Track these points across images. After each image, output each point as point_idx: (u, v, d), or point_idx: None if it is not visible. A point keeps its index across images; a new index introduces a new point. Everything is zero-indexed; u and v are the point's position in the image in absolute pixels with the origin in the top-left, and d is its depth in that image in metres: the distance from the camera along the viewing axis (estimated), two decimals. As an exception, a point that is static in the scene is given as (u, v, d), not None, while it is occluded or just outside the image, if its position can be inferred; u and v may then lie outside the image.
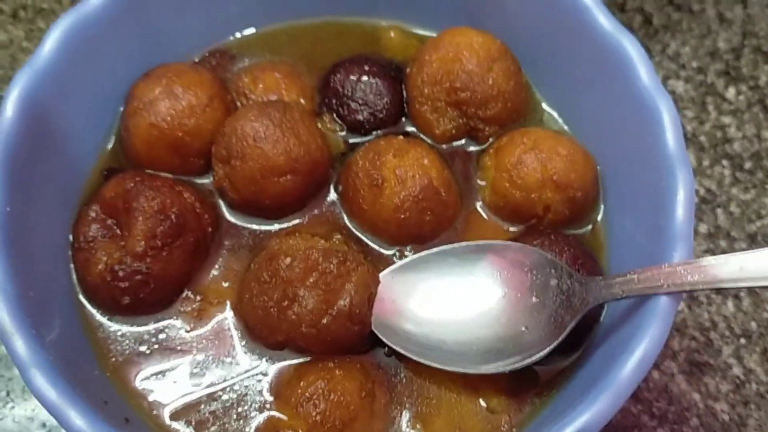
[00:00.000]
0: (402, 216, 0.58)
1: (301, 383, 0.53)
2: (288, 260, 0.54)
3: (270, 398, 0.54)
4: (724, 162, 0.75)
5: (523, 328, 0.54)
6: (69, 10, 0.59)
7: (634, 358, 0.46)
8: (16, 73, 0.56)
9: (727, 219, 0.72)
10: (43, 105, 0.56)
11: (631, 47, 0.57)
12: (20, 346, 0.47)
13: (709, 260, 0.47)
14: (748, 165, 0.75)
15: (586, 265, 0.56)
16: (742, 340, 0.67)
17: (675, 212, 0.51)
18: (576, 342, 0.56)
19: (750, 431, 0.64)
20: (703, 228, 0.72)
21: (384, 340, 0.55)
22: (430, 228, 0.60)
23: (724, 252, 0.71)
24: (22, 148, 0.54)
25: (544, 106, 0.66)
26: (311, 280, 0.54)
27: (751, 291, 0.69)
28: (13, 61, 0.81)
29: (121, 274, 0.55)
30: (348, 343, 0.55)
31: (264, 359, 0.55)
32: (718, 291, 0.69)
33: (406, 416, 0.54)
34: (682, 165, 0.53)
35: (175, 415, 0.54)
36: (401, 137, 0.62)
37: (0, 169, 0.52)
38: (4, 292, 0.48)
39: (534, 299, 0.54)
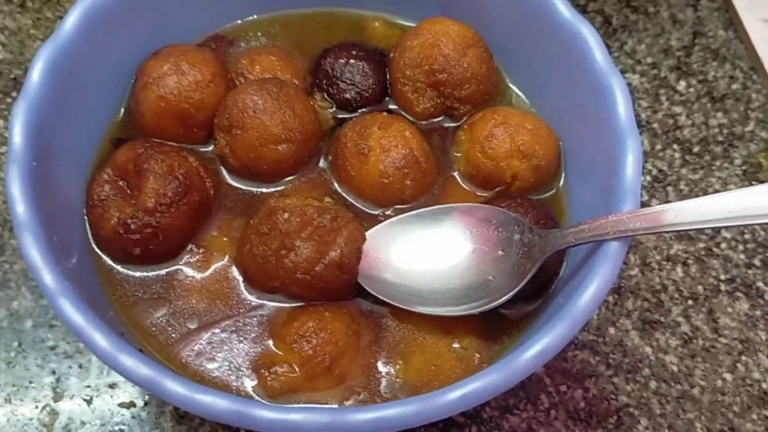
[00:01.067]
0: (386, 181, 0.65)
1: (295, 323, 0.60)
2: (286, 215, 0.61)
3: (266, 336, 0.61)
4: (675, 146, 0.83)
5: (490, 277, 0.61)
6: (88, -8, 0.65)
7: (588, 291, 0.53)
8: (39, 47, 0.62)
9: (677, 196, 0.80)
10: (63, 75, 0.62)
11: (588, 33, 0.64)
12: (49, 279, 0.53)
13: (649, 209, 0.54)
14: (696, 149, 0.83)
15: (547, 225, 0.63)
16: (690, 302, 0.75)
17: (625, 172, 0.58)
18: (538, 291, 0.63)
19: (696, 380, 0.71)
20: (654, 203, 0.80)
21: (368, 289, 0.62)
22: (410, 192, 0.66)
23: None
24: (45, 111, 0.60)
25: (513, 88, 0.74)
26: (306, 232, 0.60)
27: (698, 258, 0.77)
28: (21, 47, 0.87)
29: (133, 227, 0.61)
30: (337, 290, 0.61)
31: (261, 303, 0.62)
32: (668, 259, 0.76)
33: (387, 353, 0.61)
34: (631, 133, 0.60)
35: (182, 350, 0.60)
36: (385, 113, 0.70)
37: (28, 127, 0.57)
38: (34, 233, 0.54)
39: (500, 252, 0.61)
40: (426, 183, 0.67)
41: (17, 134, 0.57)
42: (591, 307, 0.53)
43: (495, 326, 0.62)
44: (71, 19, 0.63)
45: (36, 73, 0.60)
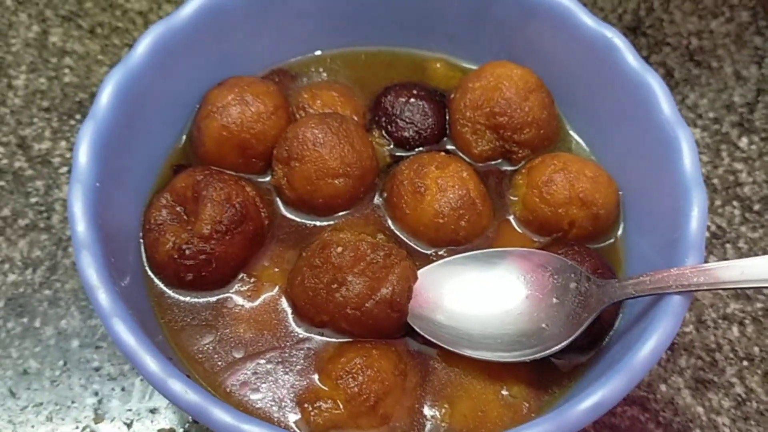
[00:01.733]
0: (440, 221, 0.65)
1: (342, 359, 0.59)
2: (339, 249, 0.60)
3: (312, 371, 0.60)
4: (735, 203, 0.82)
5: (544, 325, 0.60)
6: (160, 20, 0.67)
7: (648, 345, 0.52)
8: (108, 71, 0.64)
9: (735, 254, 0.78)
10: (131, 99, 0.63)
11: (655, 83, 0.64)
12: (104, 299, 0.53)
13: (714, 264, 0.53)
14: (756, 207, 0.81)
15: (604, 275, 0.62)
16: (745, 363, 0.72)
17: (689, 225, 0.57)
18: (593, 342, 0.61)
19: (749, 446, 0.68)
20: (712, 260, 0.78)
21: (417, 329, 0.61)
22: (464, 234, 0.66)
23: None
24: (111, 133, 0.61)
25: (573, 135, 0.73)
26: (359, 268, 0.60)
27: (755, 318, 0.74)
28: (88, 72, 0.89)
29: (187, 252, 0.61)
30: (386, 328, 0.61)
31: (308, 336, 0.61)
32: (724, 318, 0.74)
33: (433, 396, 0.60)
34: (697, 186, 0.59)
35: (227, 379, 0.59)
36: (443, 153, 0.69)
37: (94, 148, 0.58)
38: (92, 252, 0.55)
39: (554, 300, 0.60)
40: (481, 225, 0.67)
41: (83, 154, 0.58)
42: (650, 361, 0.52)
43: (546, 376, 0.61)
44: (142, 46, 0.65)
45: (105, 95, 0.61)
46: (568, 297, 0.59)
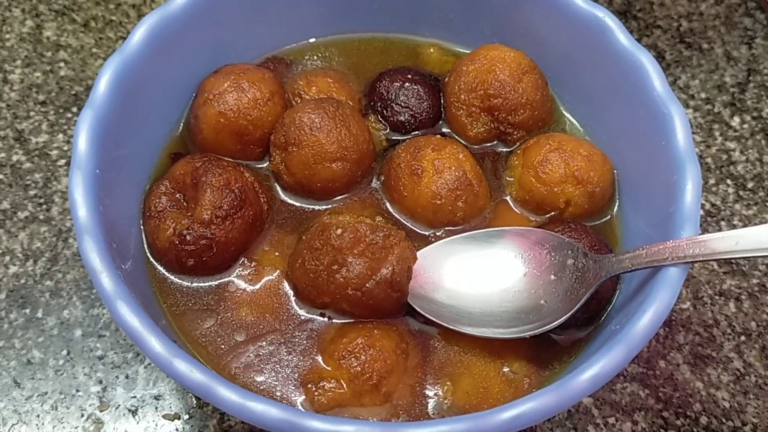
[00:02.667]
0: (438, 202, 0.65)
1: (344, 339, 0.60)
2: (339, 231, 0.61)
3: (315, 352, 0.60)
4: (728, 181, 0.83)
5: (542, 302, 0.60)
6: (155, 9, 0.67)
7: (646, 316, 0.52)
8: (105, 60, 0.64)
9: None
10: (128, 87, 0.63)
11: (647, 61, 0.64)
12: (108, 282, 0.53)
13: (709, 235, 0.54)
14: (750, 185, 0.82)
15: (601, 251, 0.63)
16: (742, 338, 0.73)
17: (684, 199, 0.58)
18: (591, 317, 0.62)
19: (749, 417, 0.69)
20: (708, 237, 0.78)
21: (417, 308, 0.61)
22: (462, 214, 0.66)
23: (727, 259, 0.77)
24: (110, 121, 0.61)
25: (567, 115, 0.74)
26: (359, 249, 0.60)
27: (751, 294, 0.75)
28: (83, 65, 0.89)
29: (188, 238, 0.62)
30: (386, 308, 0.61)
31: (309, 318, 0.62)
32: (721, 294, 0.75)
33: (435, 374, 0.60)
34: (691, 161, 0.59)
35: (231, 362, 0.60)
36: (439, 136, 0.70)
37: (93, 135, 0.59)
38: (94, 237, 0.55)
39: (552, 276, 0.61)
40: (478, 206, 0.67)
41: (83, 141, 0.59)
42: (648, 332, 0.52)
43: (546, 352, 0.61)
44: (138, 34, 0.65)
45: (103, 83, 0.62)
46: (565, 273, 0.60)
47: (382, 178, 0.69)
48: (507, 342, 0.61)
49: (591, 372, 0.51)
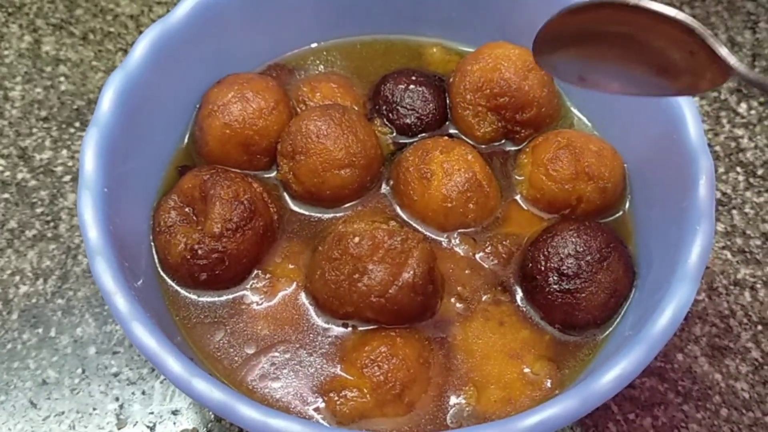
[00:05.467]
0: (448, 205, 0.65)
1: (366, 348, 0.59)
2: (356, 239, 0.60)
3: (336, 361, 0.60)
4: (738, 169, 0.82)
5: None
6: (156, 22, 0.66)
7: (666, 313, 0.52)
8: (107, 76, 0.64)
9: (742, 219, 0.78)
10: (132, 103, 0.63)
11: (654, 54, 0.64)
12: (122, 303, 0.53)
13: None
14: (760, 171, 0.82)
15: (617, 249, 0.62)
16: (759, 327, 0.72)
17: (698, 193, 0.57)
18: (609, 315, 0.62)
19: (769, 408, 0.69)
20: (720, 227, 0.78)
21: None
22: (473, 216, 0.66)
23: (740, 248, 0.77)
24: (115, 138, 0.61)
25: (574, 111, 0.73)
26: (378, 255, 0.59)
27: (766, 282, 0.75)
28: (83, 78, 0.89)
29: (200, 252, 0.61)
30: (411, 313, 0.60)
31: (329, 328, 0.61)
32: (736, 283, 0.75)
33: (458, 381, 0.60)
34: (703, 153, 0.59)
35: (247, 375, 0.60)
36: (446, 138, 0.69)
37: (99, 153, 0.58)
38: (106, 258, 0.55)
39: None
40: (489, 207, 0.67)
41: (89, 161, 0.58)
42: (669, 331, 0.52)
43: (565, 350, 0.61)
44: (140, 48, 0.64)
45: (106, 100, 0.61)
46: None
47: (391, 182, 0.69)
48: (526, 343, 0.60)
49: (612, 374, 0.50)
